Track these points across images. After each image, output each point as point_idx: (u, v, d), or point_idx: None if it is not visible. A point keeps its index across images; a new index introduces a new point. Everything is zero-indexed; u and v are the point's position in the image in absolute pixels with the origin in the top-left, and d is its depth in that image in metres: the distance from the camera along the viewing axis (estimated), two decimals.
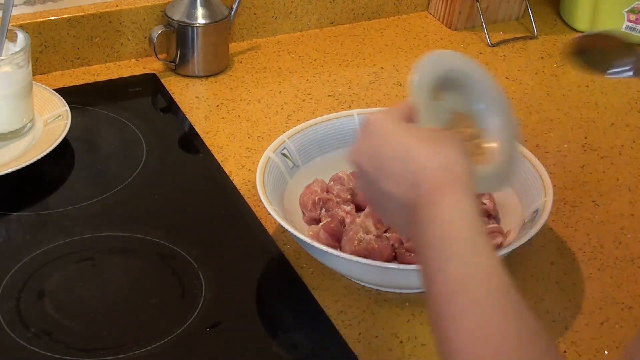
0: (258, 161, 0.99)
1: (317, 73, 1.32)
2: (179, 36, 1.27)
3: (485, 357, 0.59)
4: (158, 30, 1.27)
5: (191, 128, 1.18)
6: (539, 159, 1.00)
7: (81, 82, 1.27)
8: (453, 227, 0.64)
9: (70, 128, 1.10)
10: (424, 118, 0.74)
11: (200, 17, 1.27)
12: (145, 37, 1.31)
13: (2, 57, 1.08)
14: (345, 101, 1.26)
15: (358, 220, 0.95)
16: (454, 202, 0.65)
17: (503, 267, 0.63)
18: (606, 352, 0.88)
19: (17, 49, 1.09)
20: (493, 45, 1.41)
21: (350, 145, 0.75)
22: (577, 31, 1.47)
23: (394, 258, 0.93)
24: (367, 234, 0.94)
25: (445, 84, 0.79)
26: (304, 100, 1.25)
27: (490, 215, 0.99)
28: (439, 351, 0.62)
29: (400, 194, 0.69)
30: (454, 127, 0.79)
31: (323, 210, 0.99)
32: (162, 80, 1.28)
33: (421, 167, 0.68)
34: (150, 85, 1.28)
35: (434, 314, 0.63)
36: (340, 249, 0.94)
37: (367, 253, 0.92)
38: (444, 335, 0.61)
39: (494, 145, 0.81)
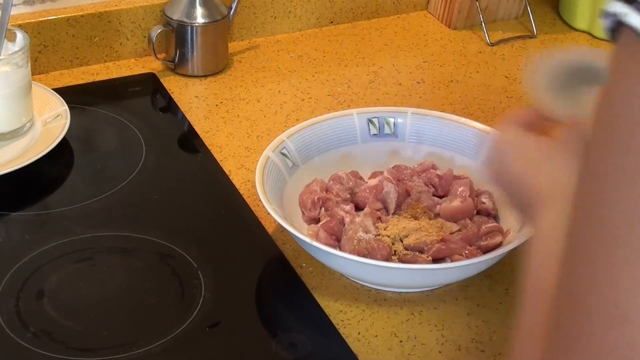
0: (257, 161, 0.99)
1: (316, 72, 1.32)
2: (178, 36, 1.28)
3: None
4: (157, 30, 1.27)
5: (190, 127, 1.18)
6: None
7: (80, 81, 1.27)
8: (547, 246, 0.63)
9: (69, 128, 1.10)
10: (553, 107, 0.74)
11: (200, 16, 1.27)
12: (145, 37, 1.31)
13: (1, 57, 1.08)
14: (345, 100, 1.26)
15: (357, 219, 0.95)
16: (549, 219, 0.65)
17: None
18: None
19: (16, 48, 1.09)
20: (492, 45, 1.41)
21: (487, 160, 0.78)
22: (576, 30, 1.47)
23: (393, 257, 0.93)
24: (366, 233, 0.94)
25: (571, 81, 0.77)
26: (303, 100, 1.25)
27: (490, 214, 1.00)
28: None
29: (520, 203, 0.72)
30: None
31: (322, 209, 0.99)
32: (161, 80, 1.28)
33: (533, 185, 0.69)
34: (150, 84, 1.28)
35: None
36: (340, 248, 0.94)
37: (366, 252, 0.92)
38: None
39: None
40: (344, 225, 0.96)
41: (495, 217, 1.00)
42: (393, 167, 1.05)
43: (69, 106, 1.14)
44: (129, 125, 1.18)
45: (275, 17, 1.39)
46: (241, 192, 1.06)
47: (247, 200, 1.05)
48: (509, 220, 0.98)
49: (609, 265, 0.41)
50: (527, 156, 0.73)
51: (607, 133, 0.42)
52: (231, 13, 1.31)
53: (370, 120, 1.08)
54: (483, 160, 0.79)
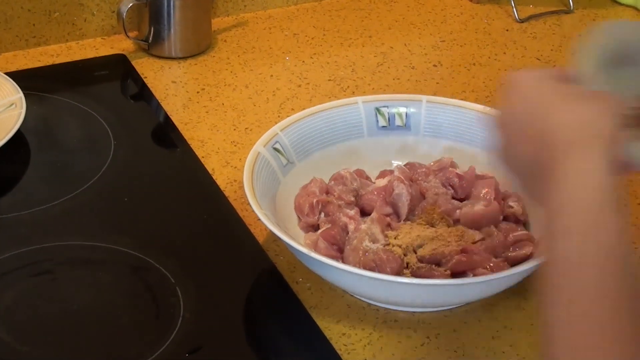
0: (246, 157, 0.99)
1: (315, 54, 1.32)
2: (153, 10, 1.28)
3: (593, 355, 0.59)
4: (128, 4, 1.27)
5: (167, 118, 1.18)
6: None
7: (37, 64, 1.27)
8: (574, 195, 0.63)
9: (24, 118, 1.10)
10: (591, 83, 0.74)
11: None
12: (113, 12, 1.31)
13: None
14: (349, 87, 1.26)
15: (363, 226, 0.95)
16: (581, 163, 0.64)
17: (628, 249, 0.62)
18: None
19: None
20: (522, 21, 1.42)
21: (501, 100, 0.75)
22: (621, 4, 1.47)
23: (405, 271, 0.94)
24: (373, 243, 0.94)
25: (624, 60, 0.78)
26: (299, 86, 1.26)
27: (518, 220, 1.00)
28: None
29: (533, 154, 0.69)
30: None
31: (322, 214, 0.99)
32: (133, 63, 1.28)
33: (557, 125, 0.67)
34: (119, 68, 1.28)
35: (543, 301, 0.62)
36: (343, 260, 0.94)
37: (373, 265, 0.92)
38: (550, 331, 0.61)
39: None
40: (348, 233, 0.96)
41: (525, 224, 1.00)
42: (405, 165, 1.05)
43: (24, 93, 1.14)
44: (94, 115, 1.18)
45: None
46: (227, 194, 1.06)
47: (233, 203, 1.05)
48: (541, 227, 0.98)
49: None
50: (543, 98, 0.70)
51: None
52: None
53: (378, 110, 1.08)
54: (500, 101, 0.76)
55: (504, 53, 1.35)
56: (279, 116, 1.18)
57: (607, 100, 0.69)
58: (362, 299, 0.94)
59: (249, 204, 0.94)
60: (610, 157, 0.65)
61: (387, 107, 1.08)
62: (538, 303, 0.63)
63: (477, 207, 0.99)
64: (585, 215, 0.63)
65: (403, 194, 1.00)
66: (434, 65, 1.31)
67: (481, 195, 1.01)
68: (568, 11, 1.45)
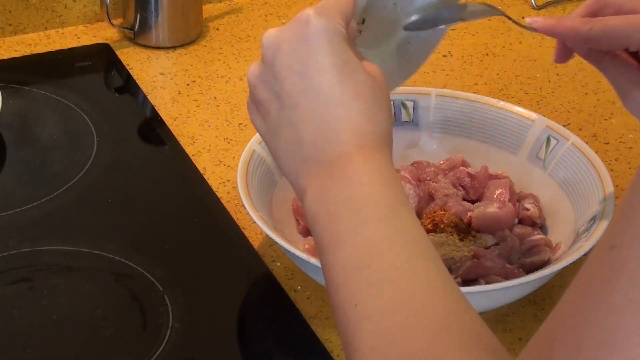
0: (240, 155, 0.99)
1: None
2: None
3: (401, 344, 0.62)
4: None
5: (154, 113, 1.19)
6: (596, 153, 1.01)
7: (14, 54, 1.27)
8: (373, 189, 0.70)
9: (0, 113, 1.11)
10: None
11: None
12: None
13: None
14: None
15: None
16: (370, 162, 0.71)
17: (428, 239, 0.68)
18: None
19: None
20: (539, 8, 1.42)
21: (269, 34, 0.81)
22: None
23: None
24: None
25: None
26: None
27: (535, 223, 1.00)
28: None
29: (309, 148, 0.74)
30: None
31: None
32: (117, 53, 1.29)
33: (343, 119, 0.73)
34: (103, 58, 1.28)
35: (337, 293, 0.67)
36: None
37: None
38: (350, 325, 0.65)
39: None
40: None
41: (542, 228, 1.01)
42: (412, 164, 1.05)
43: None
44: (76, 110, 1.18)
45: None
46: (219, 195, 1.07)
47: (226, 205, 1.05)
48: (560, 231, 0.99)
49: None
50: (350, 84, 0.74)
51: None
52: None
53: None
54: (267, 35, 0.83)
55: (520, 42, 1.36)
56: None
57: (382, 87, 0.75)
58: None
59: (243, 205, 0.94)
60: (390, 152, 0.74)
61: (393, 100, 1.08)
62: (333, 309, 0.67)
63: (490, 209, 0.99)
64: (385, 207, 0.69)
65: (410, 195, 1.00)
66: (444, 56, 1.32)
67: (494, 196, 1.01)
68: None
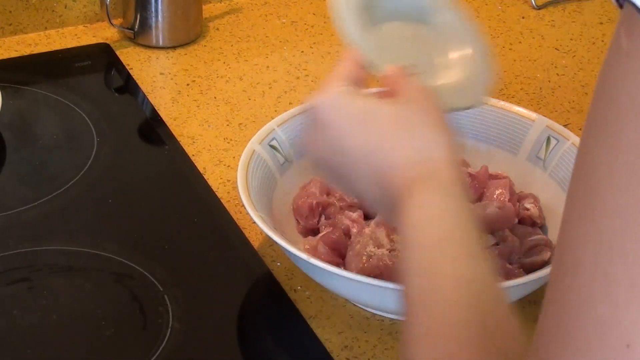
0: (239, 155, 0.99)
1: (314, 43, 1.33)
2: None
3: None
4: None
5: (154, 113, 1.19)
6: None
7: (14, 54, 1.27)
8: (417, 232, 0.69)
9: None
10: (375, 59, 0.80)
11: None
12: None
13: None
14: None
15: (366, 230, 0.96)
16: (421, 202, 0.70)
17: (476, 277, 0.66)
18: None
19: None
20: (539, 8, 1.42)
21: (302, 137, 0.80)
22: None
23: None
24: (378, 248, 0.94)
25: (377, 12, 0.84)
26: (298, 78, 1.26)
27: (535, 223, 1.00)
28: None
29: (374, 195, 0.75)
30: (409, 42, 0.82)
31: (322, 217, 1.00)
32: (117, 53, 1.29)
33: (388, 167, 0.73)
34: (103, 58, 1.28)
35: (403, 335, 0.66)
36: (345, 266, 0.94)
37: (378, 272, 0.92)
38: None
39: (464, 52, 0.85)
40: (350, 237, 0.97)
41: (542, 228, 1.01)
42: None
43: None
44: (76, 110, 1.18)
45: None
46: (219, 195, 1.07)
47: (226, 205, 1.05)
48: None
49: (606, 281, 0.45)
50: (375, 127, 0.75)
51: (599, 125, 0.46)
52: None
53: None
54: (301, 139, 0.82)
55: (520, 42, 1.36)
56: (275, 111, 1.18)
57: (422, 108, 0.76)
58: (366, 308, 0.95)
59: (243, 205, 0.94)
60: (449, 183, 0.71)
61: None
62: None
63: (490, 210, 0.99)
64: (427, 251, 0.68)
65: None
66: None
67: (494, 196, 1.01)
68: None
